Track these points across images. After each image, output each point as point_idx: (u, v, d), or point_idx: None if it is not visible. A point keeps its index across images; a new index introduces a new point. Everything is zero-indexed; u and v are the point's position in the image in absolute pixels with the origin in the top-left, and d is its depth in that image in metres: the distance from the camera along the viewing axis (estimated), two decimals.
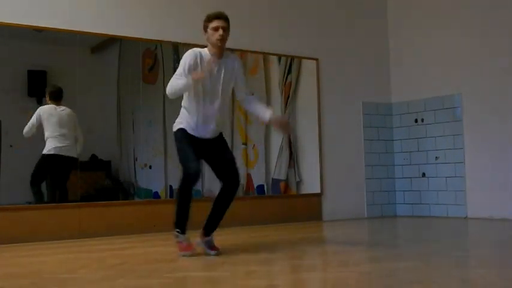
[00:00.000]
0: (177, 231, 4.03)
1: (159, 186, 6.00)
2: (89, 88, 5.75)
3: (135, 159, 5.99)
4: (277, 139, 6.61)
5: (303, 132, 6.81)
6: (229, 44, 4.11)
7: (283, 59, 6.70)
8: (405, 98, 7.32)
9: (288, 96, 6.72)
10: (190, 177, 3.94)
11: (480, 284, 2.93)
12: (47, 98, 5.52)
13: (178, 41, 5.98)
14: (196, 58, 3.97)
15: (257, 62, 6.56)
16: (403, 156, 7.33)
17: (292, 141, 6.69)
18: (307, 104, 6.84)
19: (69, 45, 5.60)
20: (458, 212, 6.70)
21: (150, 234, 5.35)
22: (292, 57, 6.76)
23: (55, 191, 5.57)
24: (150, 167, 6.00)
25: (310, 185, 6.78)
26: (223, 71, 4.05)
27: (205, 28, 4.04)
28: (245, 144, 6.43)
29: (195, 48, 4.04)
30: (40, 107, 5.46)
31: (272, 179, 6.57)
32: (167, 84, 3.98)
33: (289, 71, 6.75)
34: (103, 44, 5.88)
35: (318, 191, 6.80)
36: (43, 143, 5.44)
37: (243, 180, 6.10)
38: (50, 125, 5.46)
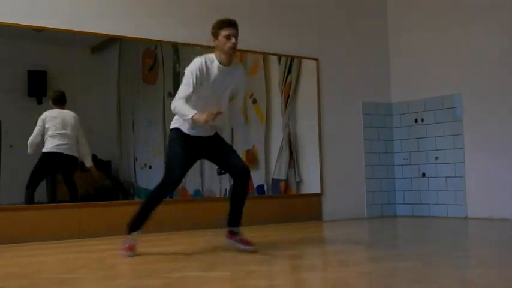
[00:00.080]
0: (135, 232, 4.04)
1: None
2: (89, 88, 5.75)
3: (135, 159, 5.99)
4: (277, 139, 6.62)
5: (303, 132, 6.81)
6: None
7: (283, 59, 6.70)
8: (405, 98, 7.32)
9: (288, 96, 6.72)
10: (170, 186, 4.03)
11: (480, 284, 2.93)
12: (50, 103, 5.52)
13: (178, 41, 5.98)
14: (202, 67, 3.94)
15: (257, 62, 6.56)
16: (403, 156, 7.33)
17: (292, 141, 6.69)
18: (307, 104, 6.84)
19: (69, 45, 5.60)
20: (458, 212, 6.70)
21: (150, 234, 5.34)
22: (292, 57, 6.76)
23: (55, 190, 5.57)
24: (150, 167, 6.00)
25: (310, 185, 6.78)
26: (229, 79, 4.06)
27: (216, 35, 4.00)
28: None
29: (201, 57, 3.99)
30: (44, 113, 5.46)
31: (272, 179, 6.57)
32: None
33: (289, 71, 6.75)
34: (103, 44, 5.88)
35: (318, 191, 6.80)
36: (43, 142, 5.44)
37: None
38: (52, 126, 5.45)
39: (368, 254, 4.23)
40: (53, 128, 5.45)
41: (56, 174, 5.61)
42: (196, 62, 3.96)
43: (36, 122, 5.39)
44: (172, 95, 5.88)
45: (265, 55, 6.59)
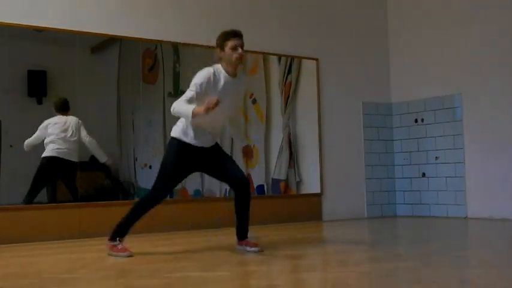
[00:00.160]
0: (118, 239, 4.06)
1: None
2: (89, 88, 5.75)
3: (135, 159, 5.99)
4: (277, 139, 6.62)
5: (303, 132, 6.81)
6: None
7: (283, 59, 6.70)
8: (405, 98, 7.32)
9: (288, 96, 6.72)
10: (157, 200, 4.12)
11: (480, 284, 2.93)
12: (54, 110, 5.52)
13: (178, 41, 5.98)
14: (210, 78, 3.93)
15: (257, 62, 6.56)
16: (403, 156, 7.33)
17: (292, 141, 6.69)
18: (307, 104, 6.84)
19: (69, 45, 5.60)
20: (458, 212, 6.70)
21: (150, 234, 5.35)
22: (292, 57, 6.76)
23: (55, 192, 5.57)
24: (150, 167, 5.99)
25: (310, 185, 6.78)
26: (234, 90, 4.06)
27: (222, 46, 3.99)
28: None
29: (211, 68, 3.98)
30: (46, 120, 5.45)
31: (272, 179, 6.57)
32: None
33: (289, 71, 6.75)
34: (103, 44, 5.88)
35: (318, 191, 6.80)
36: (41, 145, 5.45)
37: None
38: (53, 131, 5.46)
39: (368, 254, 4.23)
40: (54, 134, 5.46)
41: (57, 180, 5.62)
42: (206, 72, 3.95)
43: (38, 127, 5.40)
44: (172, 95, 5.90)
45: (265, 55, 6.59)
